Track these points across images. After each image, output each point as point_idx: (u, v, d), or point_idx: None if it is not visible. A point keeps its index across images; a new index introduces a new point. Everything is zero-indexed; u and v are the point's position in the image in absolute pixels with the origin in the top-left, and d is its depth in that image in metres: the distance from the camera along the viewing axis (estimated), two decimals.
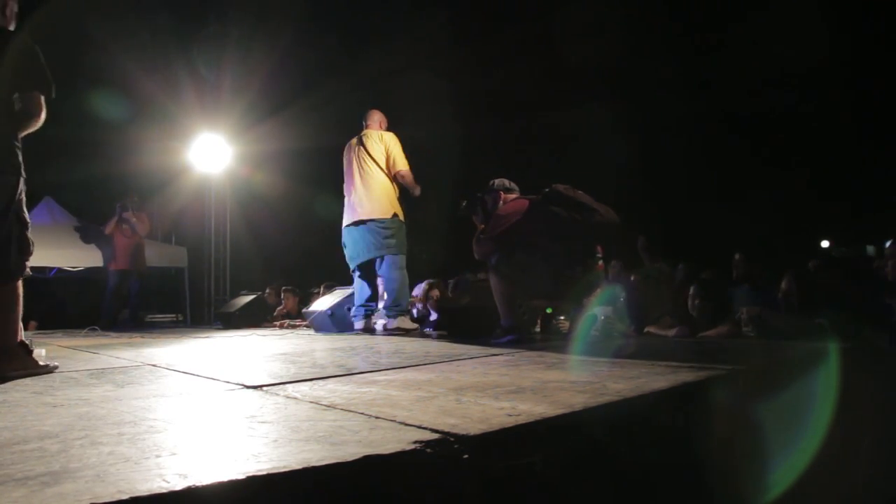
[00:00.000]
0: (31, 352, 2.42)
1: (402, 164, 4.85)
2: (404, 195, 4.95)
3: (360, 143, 4.92)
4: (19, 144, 2.43)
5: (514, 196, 3.90)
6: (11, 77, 2.37)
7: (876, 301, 3.95)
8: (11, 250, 2.37)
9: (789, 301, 4.15)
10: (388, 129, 5.08)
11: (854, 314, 3.43)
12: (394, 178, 4.85)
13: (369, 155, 4.83)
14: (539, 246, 3.55)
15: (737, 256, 5.54)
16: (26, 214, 2.47)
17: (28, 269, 2.49)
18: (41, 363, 2.43)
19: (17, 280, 2.43)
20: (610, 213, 3.47)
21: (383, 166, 4.82)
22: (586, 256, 3.63)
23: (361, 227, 4.80)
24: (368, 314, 4.93)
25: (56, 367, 2.46)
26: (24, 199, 2.45)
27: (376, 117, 5.07)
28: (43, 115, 2.44)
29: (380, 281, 5.00)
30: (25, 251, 2.44)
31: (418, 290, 6.35)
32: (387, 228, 4.75)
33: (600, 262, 4.19)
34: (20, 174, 2.41)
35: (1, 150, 2.35)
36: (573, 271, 3.53)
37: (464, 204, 4.03)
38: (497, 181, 4.02)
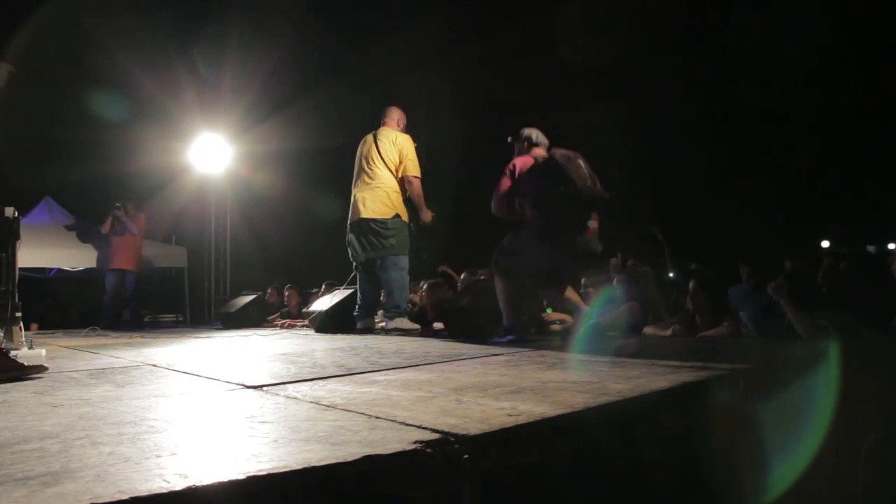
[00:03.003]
0: (5, 352, 2.26)
1: (412, 170, 4.80)
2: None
3: (374, 139, 4.86)
4: None
5: (538, 151, 3.86)
6: None
7: (875, 300, 3.94)
8: None
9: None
10: (406, 129, 5.02)
11: (853, 314, 3.43)
12: (401, 181, 4.80)
13: (379, 154, 4.78)
14: (523, 223, 3.62)
15: (742, 269, 5.53)
16: None
17: None
18: (32, 363, 2.26)
19: None
20: (596, 186, 3.48)
21: (392, 168, 4.77)
22: (573, 224, 3.67)
23: (363, 225, 4.77)
24: (370, 314, 4.91)
25: (45, 369, 2.26)
26: None
27: (395, 115, 4.98)
28: None
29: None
30: None
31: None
32: (387, 229, 4.70)
33: (591, 227, 4.21)
34: None
35: None
36: (562, 238, 3.57)
37: (509, 139, 4.01)
38: (526, 131, 3.96)
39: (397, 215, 4.74)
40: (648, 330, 4.51)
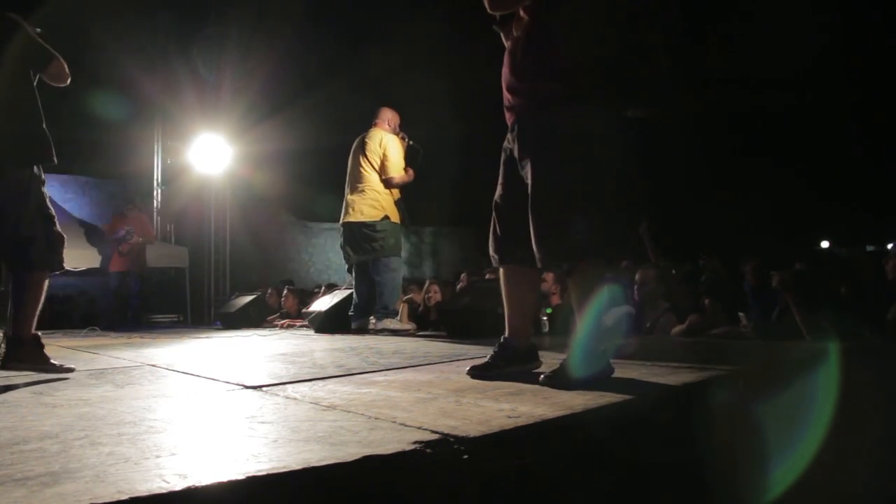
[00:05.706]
0: (42, 346, 2.39)
1: (392, 171, 4.76)
2: (403, 195, 4.91)
3: (363, 141, 4.89)
4: (36, 133, 2.46)
5: None
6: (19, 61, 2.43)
7: (874, 300, 3.94)
8: (38, 246, 2.47)
9: (784, 301, 4.14)
10: (399, 128, 4.99)
11: (853, 314, 3.43)
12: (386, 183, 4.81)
13: (366, 156, 4.81)
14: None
15: (748, 268, 5.49)
16: (50, 209, 2.57)
17: (61, 265, 2.58)
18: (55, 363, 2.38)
19: (42, 272, 2.49)
20: None
21: (378, 169, 4.81)
22: None
23: (354, 229, 4.81)
24: (365, 314, 4.93)
25: (72, 370, 2.37)
26: (42, 191, 2.51)
27: (385, 115, 4.95)
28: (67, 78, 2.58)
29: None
30: (55, 246, 2.55)
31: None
32: (377, 231, 4.73)
33: None
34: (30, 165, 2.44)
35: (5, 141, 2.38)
36: None
37: None
38: None
39: (386, 217, 4.76)
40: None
